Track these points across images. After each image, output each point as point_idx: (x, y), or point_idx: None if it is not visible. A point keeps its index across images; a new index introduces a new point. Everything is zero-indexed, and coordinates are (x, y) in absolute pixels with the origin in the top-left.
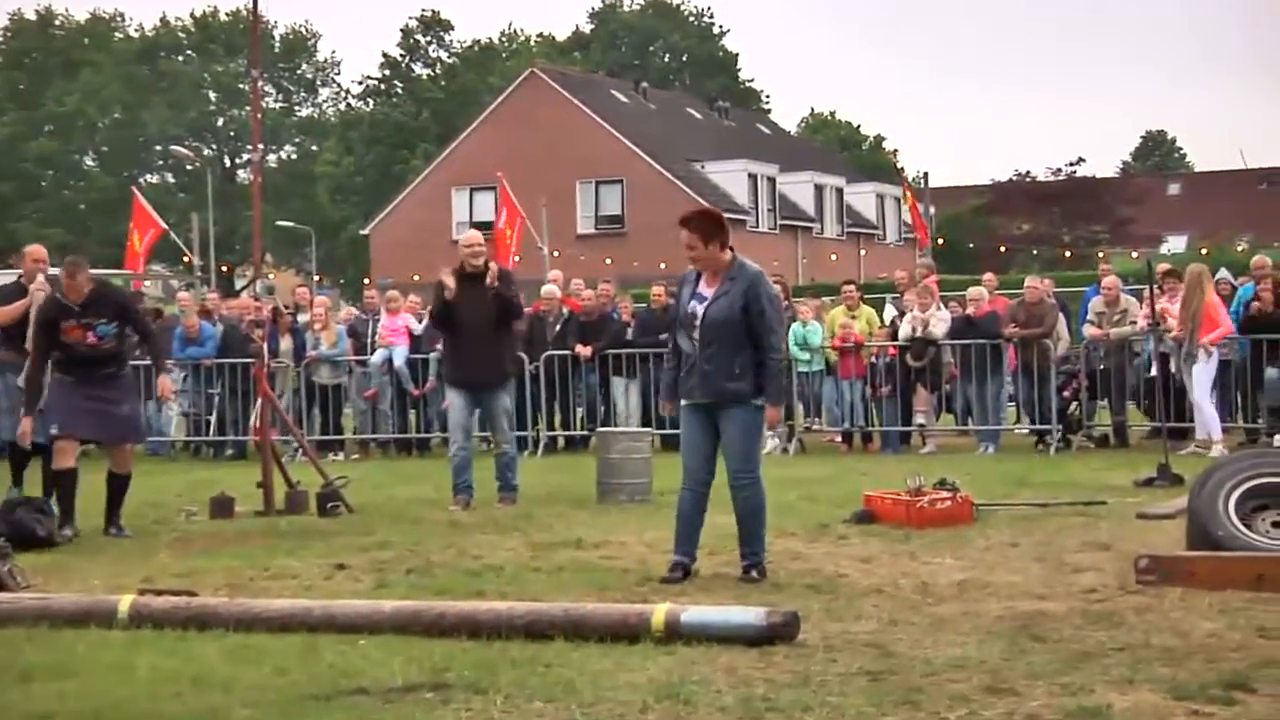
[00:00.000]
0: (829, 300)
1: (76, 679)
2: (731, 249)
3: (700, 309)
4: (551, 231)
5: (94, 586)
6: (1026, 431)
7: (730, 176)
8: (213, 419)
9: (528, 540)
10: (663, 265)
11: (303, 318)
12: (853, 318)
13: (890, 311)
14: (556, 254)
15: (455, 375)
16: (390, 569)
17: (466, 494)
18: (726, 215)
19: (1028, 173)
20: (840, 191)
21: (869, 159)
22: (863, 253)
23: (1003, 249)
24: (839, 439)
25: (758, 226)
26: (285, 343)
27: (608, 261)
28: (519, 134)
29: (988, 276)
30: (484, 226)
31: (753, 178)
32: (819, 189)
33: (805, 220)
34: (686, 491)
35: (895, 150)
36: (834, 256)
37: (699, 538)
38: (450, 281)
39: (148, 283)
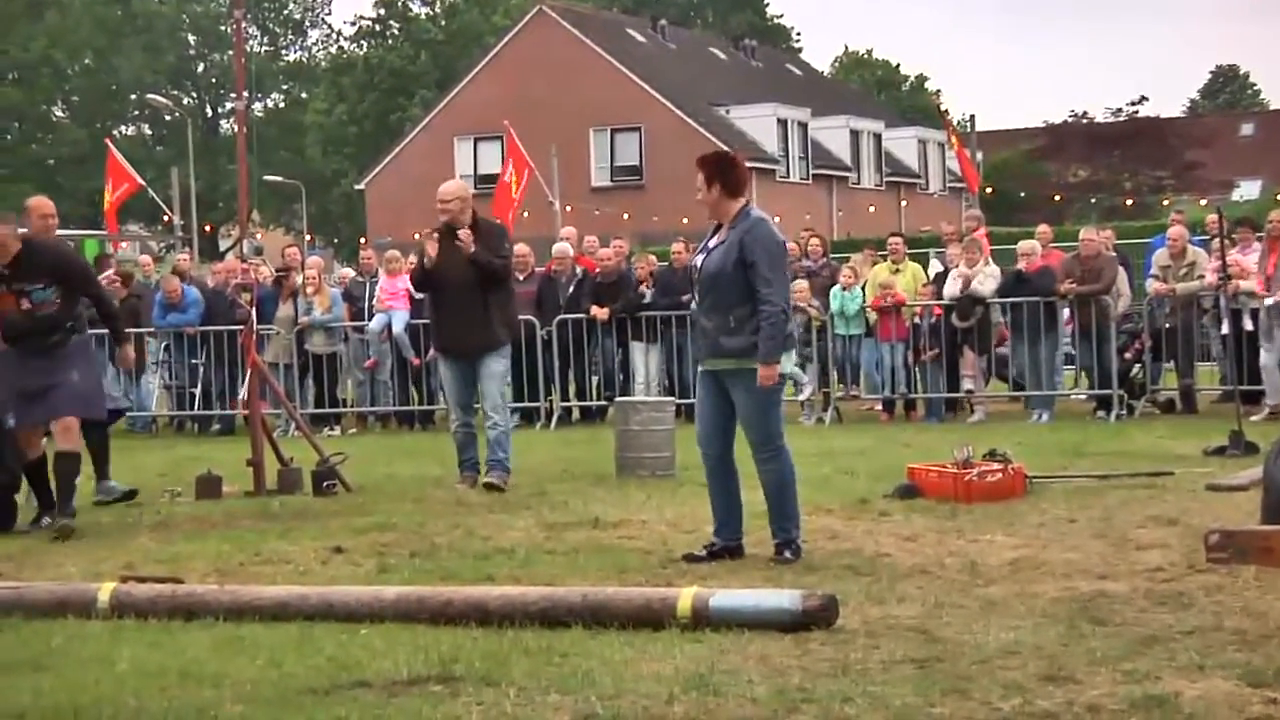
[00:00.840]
0: (871, 253)
1: (53, 673)
2: (746, 197)
3: (699, 261)
4: (563, 184)
5: (70, 574)
6: (1084, 397)
7: (758, 122)
8: (197, 391)
9: (541, 520)
10: (685, 220)
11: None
12: (896, 273)
13: (935, 267)
14: (569, 209)
15: (440, 342)
16: (392, 552)
17: (473, 472)
18: (753, 164)
19: (1085, 113)
20: (878, 137)
21: (909, 101)
22: (903, 204)
23: (1057, 198)
24: (879, 407)
25: (788, 176)
26: (285, 308)
27: (625, 216)
28: (527, 78)
29: (1041, 228)
30: (489, 179)
31: (782, 123)
32: (855, 135)
33: (840, 169)
34: (705, 465)
35: (938, 91)
36: (872, 208)
37: (738, 516)
38: (432, 250)
39: (124, 245)
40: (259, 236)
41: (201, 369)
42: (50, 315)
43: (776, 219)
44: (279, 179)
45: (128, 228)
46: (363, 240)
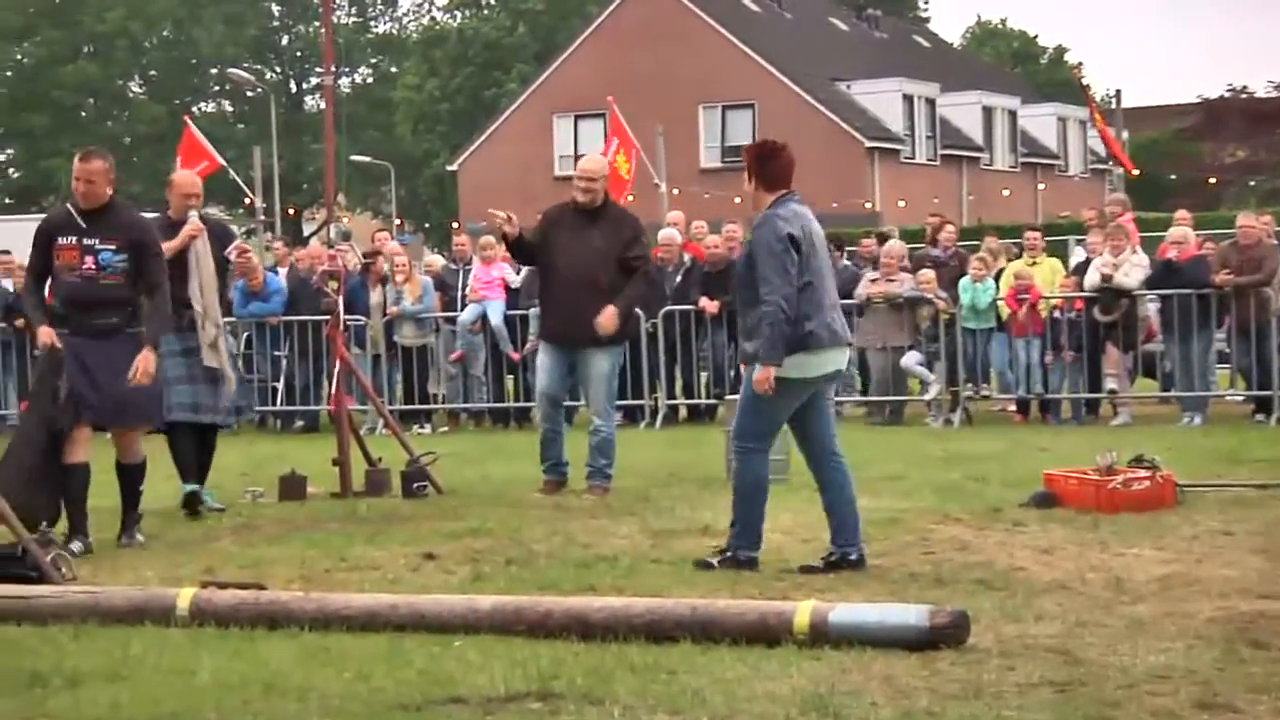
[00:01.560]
0: (997, 240)
1: (130, 684)
2: (783, 191)
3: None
4: (670, 166)
5: (148, 579)
6: (1241, 399)
7: (882, 98)
8: (280, 386)
9: (645, 526)
10: None
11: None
12: (1033, 265)
13: (1076, 257)
14: (676, 192)
15: (547, 327)
16: (487, 559)
17: (556, 476)
18: (878, 144)
19: (1244, 88)
20: (1013, 114)
21: (1047, 75)
22: (1040, 186)
23: (1211, 181)
24: (1012, 408)
25: (914, 156)
26: (375, 296)
27: (736, 201)
28: (631, 51)
29: (1180, 213)
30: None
31: (908, 99)
32: (987, 112)
33: (971, 149)
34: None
35: (1079, 64)
36: (1005, 191)
37: (852, 524)
38: (506, 224)
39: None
40: (346, 221)
41: (285, 362)
42: (113, 288)
43: (901, 202)
44: (367, 159)
45: (207, 211)
46: (455, 225)
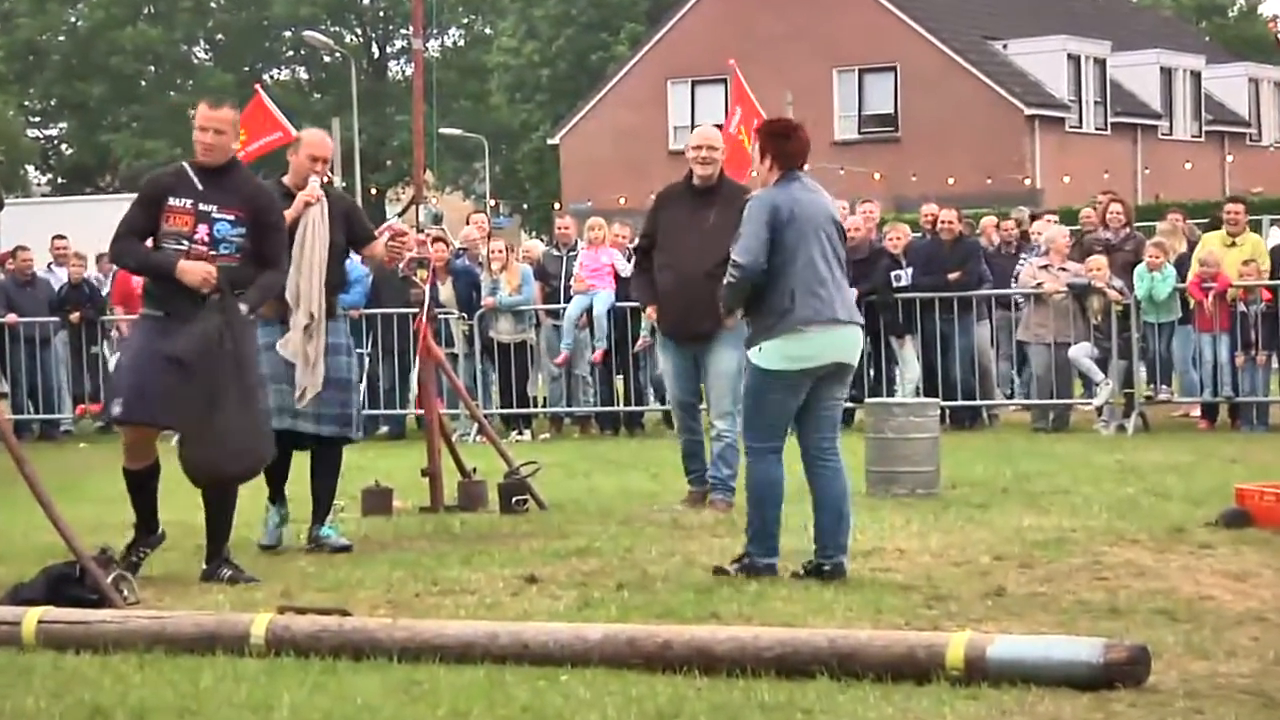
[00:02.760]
0: (1180, 219)
1: (201, 719)
2: (790, 170)
3: None
4: None
5: (220, 603)
6: None
7: (1044, 59)
8: (362, 386)
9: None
10: (950, 180)
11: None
12: (1231, 245)
13: (1272, 239)
14: (807, 167)
15: (665, 322)
16: (596, 583)
17: (703, 487)
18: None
19: None
20: (1196, 76)
21: (1236, 30)
22: (1229, 158)
23: None
24: (1197, 413)
25: (1081, 125)
26: (446, 289)
27: (876, 176)
28: (755, 8)
29: None
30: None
31: (1074, 60)
32: (1166, 73)
33: (1148, 116)
34: None
35: (1275, 17)
36: (1188, 164)
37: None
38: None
39: None
40: (435, 201)
41: (367, 360)
42: (225, 270)
43: (1066, 177)
44: (457, 132)
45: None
46: (557, 206)
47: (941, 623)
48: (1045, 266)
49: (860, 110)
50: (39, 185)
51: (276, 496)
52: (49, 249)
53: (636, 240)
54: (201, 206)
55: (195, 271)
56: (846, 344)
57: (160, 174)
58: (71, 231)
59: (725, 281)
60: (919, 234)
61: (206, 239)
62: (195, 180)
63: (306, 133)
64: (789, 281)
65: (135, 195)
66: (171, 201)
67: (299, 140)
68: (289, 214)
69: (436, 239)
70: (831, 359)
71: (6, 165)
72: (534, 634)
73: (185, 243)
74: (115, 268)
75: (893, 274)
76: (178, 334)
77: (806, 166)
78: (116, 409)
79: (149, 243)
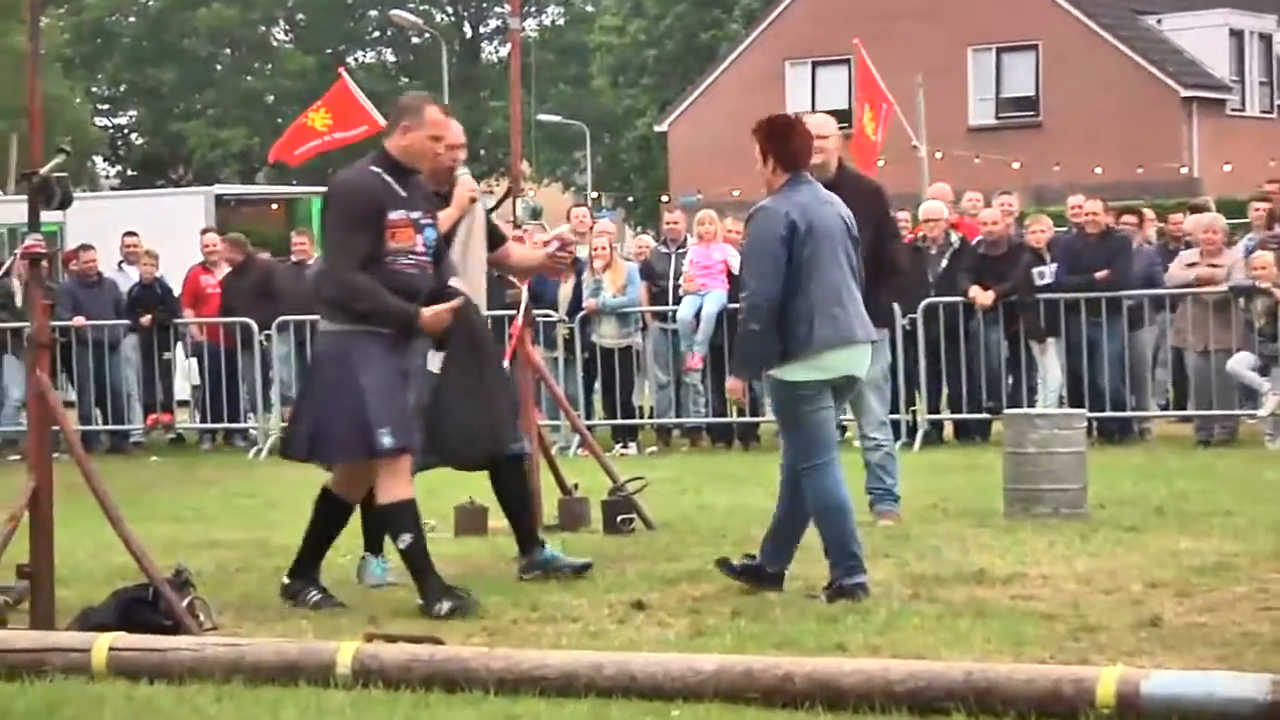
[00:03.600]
0: None
1: None
2: (796, 172)
3: None
4: (931, 124)
5: (303, 629)
6: None
7: (1202, 35)
8: None
9: (906, 571)
10: (1097, 170)
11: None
12: None
13: None
14: (939, 156)
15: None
16: (710, 609)
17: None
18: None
19: None
20: None
21: None
22: None
23: None
24: None
25: (1243, 109)
26: (565, 288)
27: (1015, 165)
28: None
29: None
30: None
31: (1237, 36)
32: None
33: None
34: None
35: None
36: None
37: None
38: None
39: None
40: (533, 193)
41: None
42: (429, 280)
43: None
44: (556, 119)
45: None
46: (664, 198)
47: (1090, 656)
48: (1194, 264)
49: (998, 93)
50: (107, 178)
51: (378, 547)
52: (119, 247)
53: None
54: (411, 215)
55: (441, 320)
56: (861, 360)
57: (364, 185)
58: (142, 227)
59: (744, 332)
60: (1064, 228)
61: (422, 249)
62: (395, 186)
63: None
64: (806, 304)
65: (340, 215)
66: (391, 215)
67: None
68: (454, 213)
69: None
70: (845, 372)
71: (73, 157)
72: (642, 665)
73: (412, 258)
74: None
75: (1035, 271)
76: (411, 349)
77: (939, 154)
78: (386, 440)
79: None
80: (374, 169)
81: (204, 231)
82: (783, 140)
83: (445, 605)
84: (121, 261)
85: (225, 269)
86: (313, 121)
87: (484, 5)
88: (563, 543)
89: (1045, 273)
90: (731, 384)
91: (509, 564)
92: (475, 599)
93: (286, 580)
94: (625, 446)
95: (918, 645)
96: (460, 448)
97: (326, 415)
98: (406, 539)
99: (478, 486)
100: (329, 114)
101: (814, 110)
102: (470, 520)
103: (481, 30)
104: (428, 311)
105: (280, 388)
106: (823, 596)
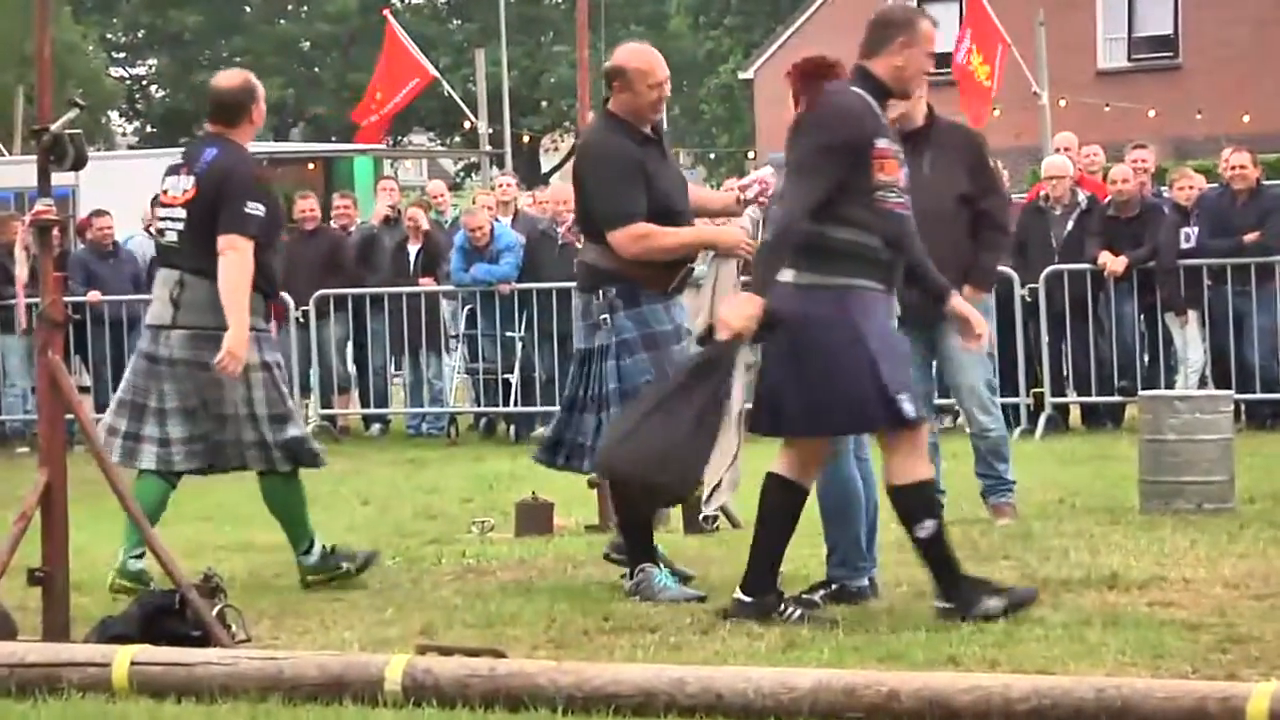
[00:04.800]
0: None
1: None
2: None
3: None
4: (1054, 68)
5: (347, 641)
6: None
7: None
8: (514, 378)
9: (1026, 574)
10: (1245, 118)
11: None
12: None
13: None
14: (1063, 103)
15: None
16: (810, 615)
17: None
18: None
19: None
20: None
21: None
22: None
23: None
24: None
25: None
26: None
27: (1150, 114)
28: None
29: None
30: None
31: None
32: None
33: None
34: None
35: None
36: None
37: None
38: None
39: (407, 165)
40: None
41: (521, 346)
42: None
43: None
44: None
45: (410, 140)
46: (751, 154)
47: (1239, 670)
48: None
49: (1130, 32)
50: (124, 135)
51: (651, 554)
52: (140, 214)
53: None
54: (894, 147)
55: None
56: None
57: (854, 108)
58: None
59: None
60: (1212, 185)
61: (905, 186)
62: (879, 113)
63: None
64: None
65: (820, 142)
66: (879, 144)
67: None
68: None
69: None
70: None
71: (87, 111)
72: (729, 681)
73: (897, 194)
74: None
75: (1183, 232)
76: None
77: (1063, 101)
78: (908, 408)
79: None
80: (857, 90)
81: None
82: (819, 83)
83: (992, 603)
84: (147, 228)
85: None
86: (373, 100)
87: None
88: None
89: (1188, 235)
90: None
91: (578, 567)
92: (1026, 593)
93: (746, 599)
94: None
95: (1042, 659)
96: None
97: (826, 382)
98: (929, 526)
99: (541, 478)
100: (381, 73)
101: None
102: (533, 519)
103: None
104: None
105: (318, 370)
106: (819, 597)
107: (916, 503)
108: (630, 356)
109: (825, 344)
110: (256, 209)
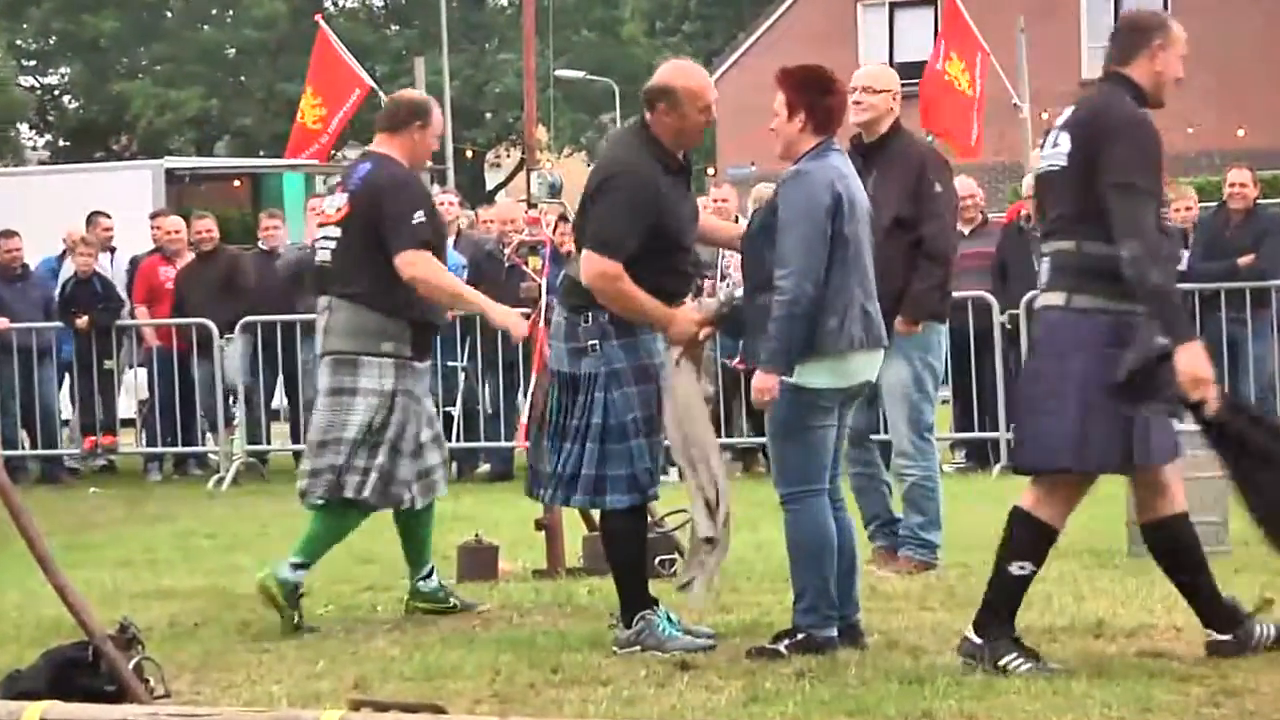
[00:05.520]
0: None
1: None
2: (826, 136)
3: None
4: (1036, 78)
5: (275, 695)
6: None
7: None
8: (456, 411)
9: None
10: (1240, 132)
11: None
12: None
13: None
14: (1046, 115)
15: None
16: (768, 670)
17: (884, 540)
18: None
19: None
20: None
21: None
22: None
23: None
24: None
25: None
26: None
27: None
28: None
29: None
30: (912, 69)
31: None
32: None
33: None
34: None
35: None
36: None
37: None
38: None
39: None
40: (550, 166)
41: (464, 377)
42: None
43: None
44: (580, 75)
45: (344, 155)
46: (710, 171)
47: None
48: None
49: None
50: (35, 149)
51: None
52: (61, 234)
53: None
54: None
55: None
56: (878, 366)
57: (1150, 119)
58: (77, 209)
59: (785, 316)
60: (1208, 204)
61: None
62: None
63: (687, 76)
64: (840, 295)
65: (1149, 158)
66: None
67: (672, 91)
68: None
69: (561, 218)
70: (864, 378)
71: None
72: None
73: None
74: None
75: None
76: None
77: (1045, 114)
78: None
79: None
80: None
81: (155, 216)
82: (820, 94)
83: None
84: (64, 252)
85: (189, 258)
86: (305, 118)
87: None
88: (589, 590)
89: (1180, 258)
90: (765, 382)
91: (524, 614)
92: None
93: (975, 639)
94: (665, 473)
95: (1023, 713)
96: None
97: (1097, 413)
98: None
99: (485, 519)
100: (317, 96)
101: (892, 62)
102: (476, 562)
103: None
104: None
105: (243, 403)
106: (783, 648)
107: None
108: (619, 389)
109: (1088, 373)
110: (420, 219)
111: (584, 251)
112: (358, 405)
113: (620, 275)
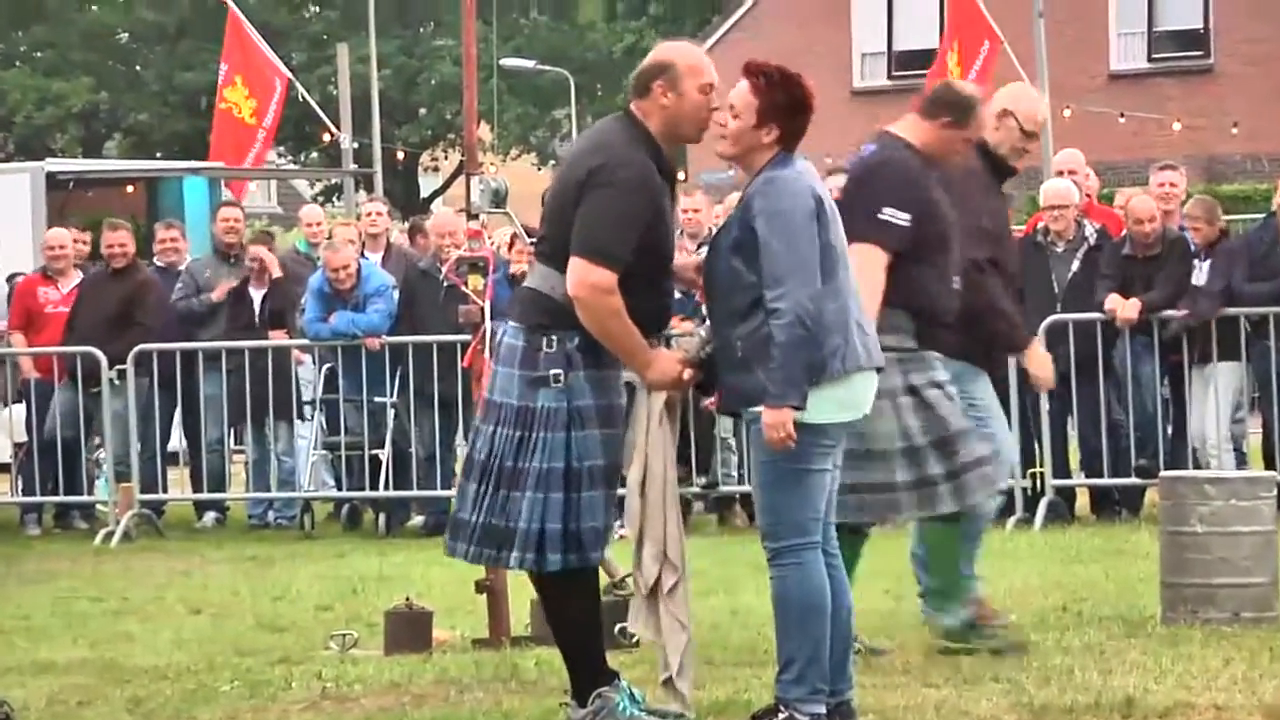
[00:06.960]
0: None
1: None
2: (787, 150)
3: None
4: (1056, 69)
5: None
6: None
7: None
8: (385, 455)
9: (1021, 701)
10: None
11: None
12: None
13: None
14: (1067, 112)
15: None
16: None
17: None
18: None
19: None
20: None
21: None
22: None
23: None
24: None
25: None
26: None
27: (1175, 126)
28: None
29: None
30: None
31: None
32: None
33: None
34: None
35: None
36: None
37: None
38: None
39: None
40: (494, 170)
41: (393, 414)
42: None
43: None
44: (529, 64)
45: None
46: (680, 176)
47: None
48: None
49: (1150, 25)
50: None
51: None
52: None
53: None
54: None
55: None
56: (874, 391)
57: None
58: None
59: (789, 341)
60: (1247, 216)
61: None
62: None
63: (685, 53)
64: (837, 310)
65: None
66: None
67: (670, 66)
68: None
69: (515, 236)
70: (869, 407)
71: None
72: None
73: None
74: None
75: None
76: None
77: (1068, 110)
78: None
79: None
80: None
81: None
82: (791, 115)
83: None
84: None
85: (76, 277)
86: (237, 109)
87: None
88: (537, 661)
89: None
90: (778, 418)
91: (462, 690)
92: None
93: None
94: (620, 525)
95: None
96: None
97: None
98: None
99: (418, 580)
100: (246, 85)
101: (890, 52)
102: (406, 630)
103: None
104: None
105: (134, 445)
106: None
107: None
108: (580, 431)
109: None
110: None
111: (571, 259)
112: None
113: (613, 290)
